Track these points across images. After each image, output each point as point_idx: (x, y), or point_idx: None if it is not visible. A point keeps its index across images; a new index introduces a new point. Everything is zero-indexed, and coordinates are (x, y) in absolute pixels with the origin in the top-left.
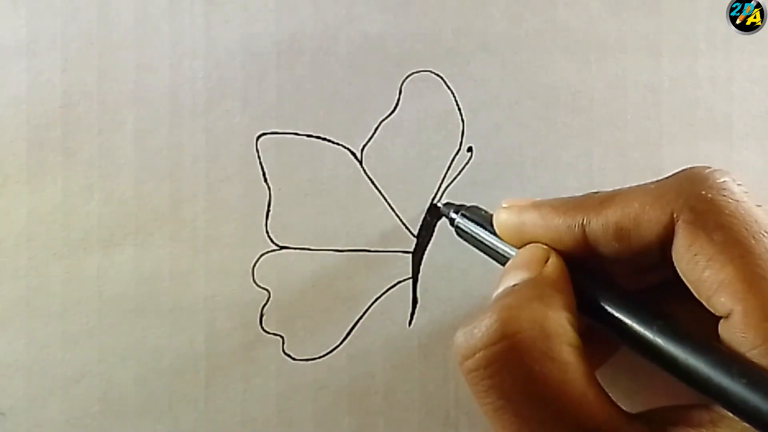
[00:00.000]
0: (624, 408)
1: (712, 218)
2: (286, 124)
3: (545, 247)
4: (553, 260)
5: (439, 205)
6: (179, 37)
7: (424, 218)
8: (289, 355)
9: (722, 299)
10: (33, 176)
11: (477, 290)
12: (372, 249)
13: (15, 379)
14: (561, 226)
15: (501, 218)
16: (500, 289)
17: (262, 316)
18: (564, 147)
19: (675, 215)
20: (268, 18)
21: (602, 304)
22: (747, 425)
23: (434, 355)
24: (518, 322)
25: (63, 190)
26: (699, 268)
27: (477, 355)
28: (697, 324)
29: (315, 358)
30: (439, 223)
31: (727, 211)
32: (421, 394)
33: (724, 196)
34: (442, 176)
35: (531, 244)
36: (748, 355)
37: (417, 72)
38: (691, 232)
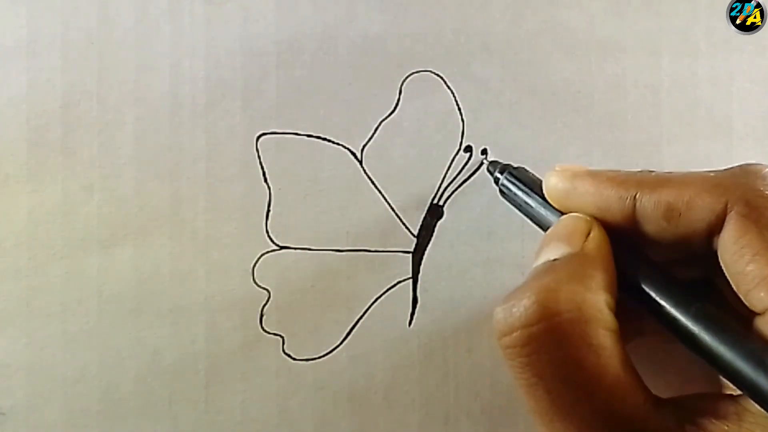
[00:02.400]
0: (652, 389)
1: (766, 214)
2: (286, 124)
3: (588, 218)
4: (596, 234)
5: (486, 163)
6: (179, 37)
7: (424, 218)
8: (289, 355)
9: (762, 294)
10: (33, 176)
11: (477, 290)
12: (372, 249)
13: (15, 379)
14: (613, 197)
15: (551, 182)
16: (540, 260)
17: (262, 316)
18: (564, 147)
19: (729, 205)
20: (268, 18)
21: (641, 282)
22: None
23: (434, 355)
24: (556, 304)
25: (63, 190)
26: (744, 261)
27: (514, 334)
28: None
29: (315, 358)
30: (439, 223)
31: None
32: (421, 394)
33: None
34: (442, 176)
35: (573, 214)
36: None
37: (417, 72)
38: (743, 224)
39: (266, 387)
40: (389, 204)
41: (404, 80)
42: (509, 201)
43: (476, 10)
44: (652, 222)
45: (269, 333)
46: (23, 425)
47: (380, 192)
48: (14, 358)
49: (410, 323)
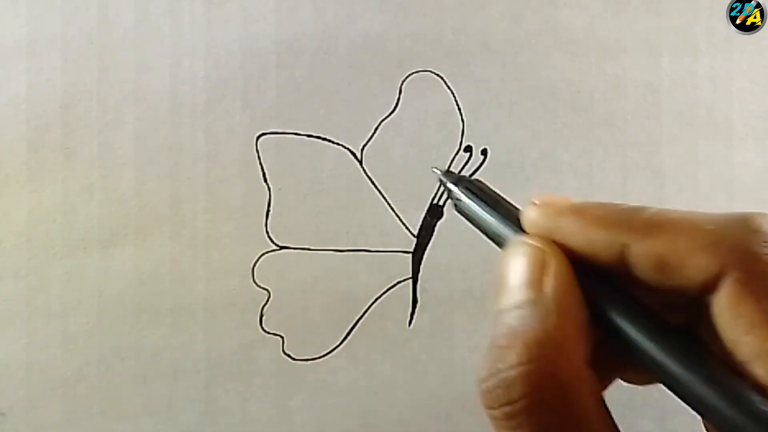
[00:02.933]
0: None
1: (765, 284)
2: (286, 124)
3: (541, 246)
4: (555, 267)
5: (438, 173)
6: (179, 37)
7: (424, 218)
8: (289, 355)
9: (760, 371)
10: (33, 176)
11: (477, 290)
12: (372, 249)
13: (15, 379)
14: (600, 241)
15: (532, 217)
16: (503, 302)
17: (262, 316)
18: (564, 147)
19: (725, 269)
20: (268, 18)
21: (615, 317)
22: None
23: (434, 355)
24: (535, 379)
25: (63, 190)
26: (739, 330)
27: (500, 409)
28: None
29: (315, 358)
30: (439, 223)
31: None
32: (421, 394)
33: None
34: None
35: (525, 240)
36: None
37: (417, 72)
38: (739, 291)
39: (266, 387)
40: (389, 204)
41: (404, 80)
42: (463, 215)
43: (476, 10)
44: (643, 272)
45: (269, 333)
46: (23, 425)
47: (380, 192)
48: (14, 358)
49: (410, 323)
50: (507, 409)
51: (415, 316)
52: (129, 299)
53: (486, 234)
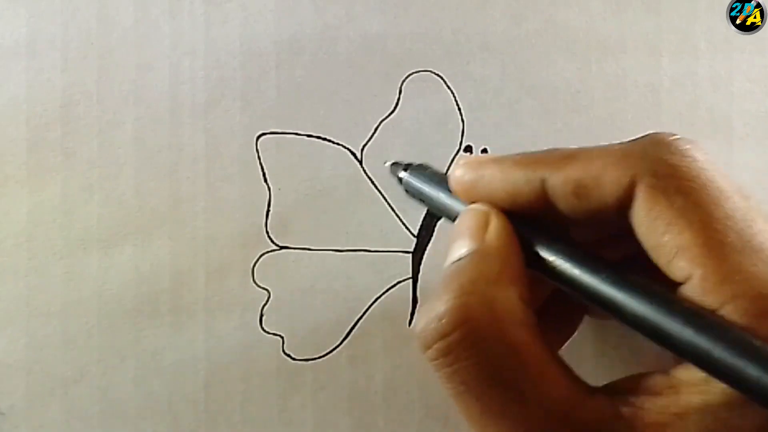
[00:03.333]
0: (589, 383)
1: (673, 183)
2: (286, 124)
3: (485, 208)
4: (495, 224)
5: (388, 165)
6: (179, 37)
7: (424, 218)
8: (289, 355)
9: (681, 264)
10: (33, 176)
11: None
12: (372, 249)
13: (15, 379)
14: (520, 180)
15: (457, 174)
16: (448, 261)
17: (262, 316)
18: (564, 147)
19: (636, 178)
20: (268, 18)
21: (549, 255)
22: (707, 388)
23: None
24: (468, 310)
25: (63, 190)
26: (658, 233)
27: (435, 347)
28: None
29: (315, 358)
30: (439, 223)
31: (688, 177)
32: (421, 394)
33: (687, 162)
34: None
35: (471, 206)
36: None
37: (417, 72)
38: (652, 196)
39: (266, 387)
40: (389, 204)
41: (404, 80)
42: (415, 198)
43: (476, 10)
44: (563, 201)
45: (269, 333)
46: (23, 425)
47: (380, 192)
48: (14, 358)
49: (410, 323)
50: (441, 344)
51: (415, 316)
52: (129, 299)
53: (438, 211)
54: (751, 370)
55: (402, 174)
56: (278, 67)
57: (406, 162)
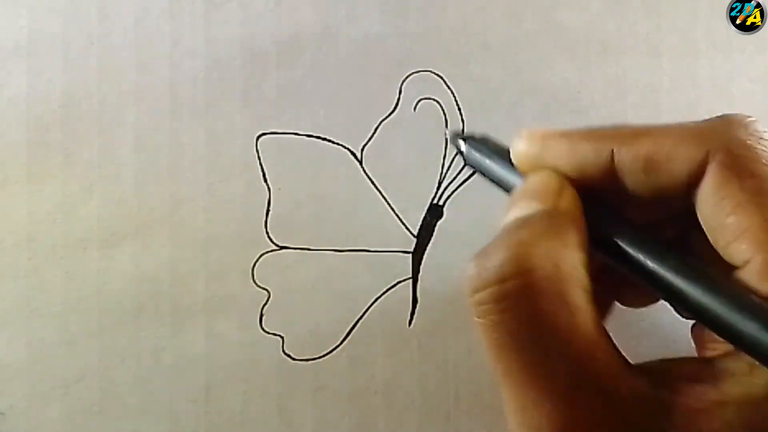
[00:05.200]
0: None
1: (748, 164)
2: (286, 124)
3: (560, 175)
4: (569, 191)
5: (448, 135)
6: (179, 37)
7: (424, 218)
8: (289, 355)
9: (743, 246)
10: (33, 176)
11: None
12: (372, 249)
13: (15, 379)
14: (589, 152)
15: (520, 148)
16: (510, 218)
17: (262, 316)
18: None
19: (710, 156)
20: (268, 18)
21: (615, 238)
22: (750, 379)
23: (434, 355)
24: (532, 259)
25: (63, 190)
26: (723, 213)
27: (488, 290)
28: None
29: (315, 358)
30: (439, 223)
31: (763, 160)
32: (421, 394)
33: (763, 145)
34: (442, 176)
35: (545, 171)
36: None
37: (417, 72)
38: (724, 174)
39: (266, 387)
40: (389, 204)
41: (404, 80)
42: (475, 169)
43: (476, 10)
44: (631, 176)
45: (269, 333)
46: (23, 425)
47: (380, 192)
48: (14, 358)
49: (410, 323)
50: (495, 289)
51: (415, 316)
52: (129, 299)
53: (500, 183)
54: None
55: (462, 145)
56: (278, 67)
57: (467, 134)
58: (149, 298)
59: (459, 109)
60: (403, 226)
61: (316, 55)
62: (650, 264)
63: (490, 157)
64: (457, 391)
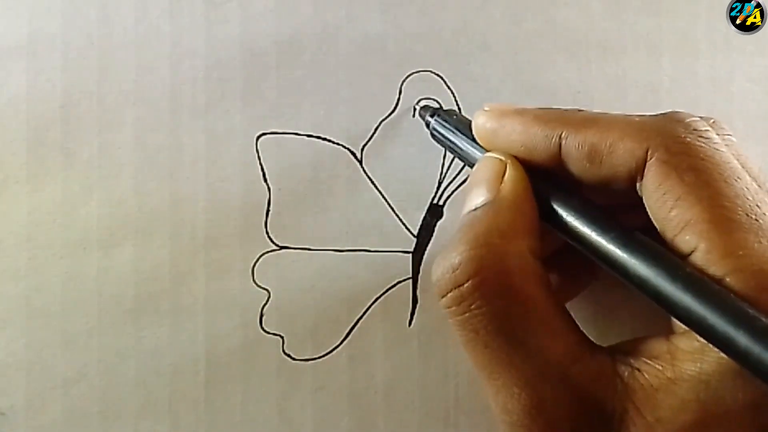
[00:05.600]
0: (602, 338)
1: (686, 160)
2: (286, 124)
3: (502, 158)
4: (510, 174)
5: (417, 108)
6: (179, 37)
7: (424, 218)
8: (289, 355)
9: (687, 237)
10: (33, 176)
11: None
12: (372, 249)
13: (15, 379)
14: (539, 135)
15: (479, 121)
16: (466, 209)
17: (262, 316)
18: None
19: (650, 151)
20: (268, 18)
21: (561, 210)
22: (702, 357)
23: (434, 355)
24: (480, 261)
25: (63, 190)
26: (666, 206)
27: (450, 294)
28: None
29: (315, 358)
30: (439, 223)
31: (701, 155)
32: (421, 394)
33: (702, 141)
34: (442, 176)
35: (489, 155)
36: None
37: (417, 72)
38: (663, 170)
39: (266, 387)
40: (389, 204)
41: (404, 80)
42: (440, 143)
43: (476, 10)
44: (576, 162)
45: (269, 333)
46: (23, 425)
47: (380, 192)
48: (14, 358)
49: (410, 323)
50: (455, 292)
51: (415, 316)
52: (129, 299)
53: (461, 159)
54: (743, 339)
55: (429, 119)
56: (278, 67)
57: (435, 107)
58: (149, 298)
59: (459, 109)
60: (403, 226)
61: (316, 55)
62: (593, 236)
63: (454, 132)
64: (457, 391)
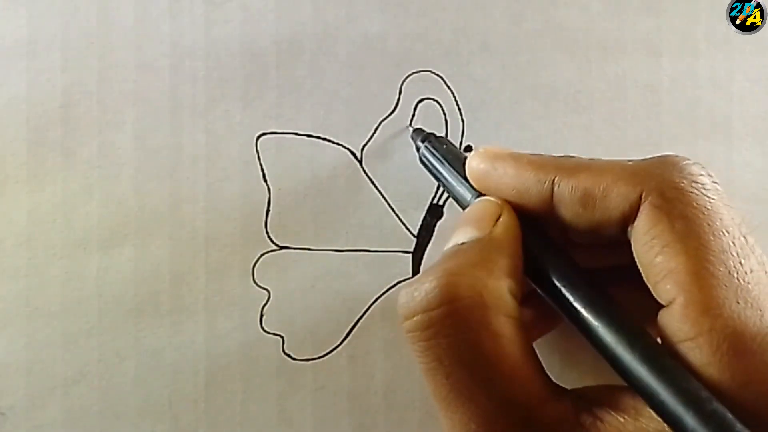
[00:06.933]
0: (559, 382)
1: (678, 207)
2: (286, 124)
3: (499, 202)
4: (505, 219)
5: (410, 130)
6: (179, 37)
7: (424, 218)
8: (289, 355)
9: (668, 286)
10: (33, 176)
11: None
12: (372, 249)
13: (15, 379)
14: (531, 180)
15: (473, 163)
16: (450, 244)
17: (262, 316)
18: (564, 147)
19: (643, 196)
20: (268, 18)
21: (545, 271)
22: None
23: None
24: (457, 289)
25: (63, 190)
26: (653, 252)
27: (415, 318)
28: (639, 310)
29: (315, 358)
30: (439, 223)
31: (694, 204)
32: (421, 394)
33: (695, 188)
34: None
35: (485, 198)
36: (680, 345)
37: (417, 72)
38: (655, 215)
39: (266, 387)
40: (389, 204)
41: (404, 80)
42: (427, 169)
43: (476, 10)
44: (569, 207)
45: (269, 333)
46: (23, 425)
47: (380, 192)
48: (14, 358)
49: None
50: (423, 316)
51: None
52: (129, 299)
53: (443, 186)
54: (690, 421)
55: (419, 143)
56: (278, 67)
57: (428, 131)
58: (149, 298)
59: (459, 109)
60: (403, 226)
61: (316, 55)
62: (563, 292)
63: (442, 162)
64: None
